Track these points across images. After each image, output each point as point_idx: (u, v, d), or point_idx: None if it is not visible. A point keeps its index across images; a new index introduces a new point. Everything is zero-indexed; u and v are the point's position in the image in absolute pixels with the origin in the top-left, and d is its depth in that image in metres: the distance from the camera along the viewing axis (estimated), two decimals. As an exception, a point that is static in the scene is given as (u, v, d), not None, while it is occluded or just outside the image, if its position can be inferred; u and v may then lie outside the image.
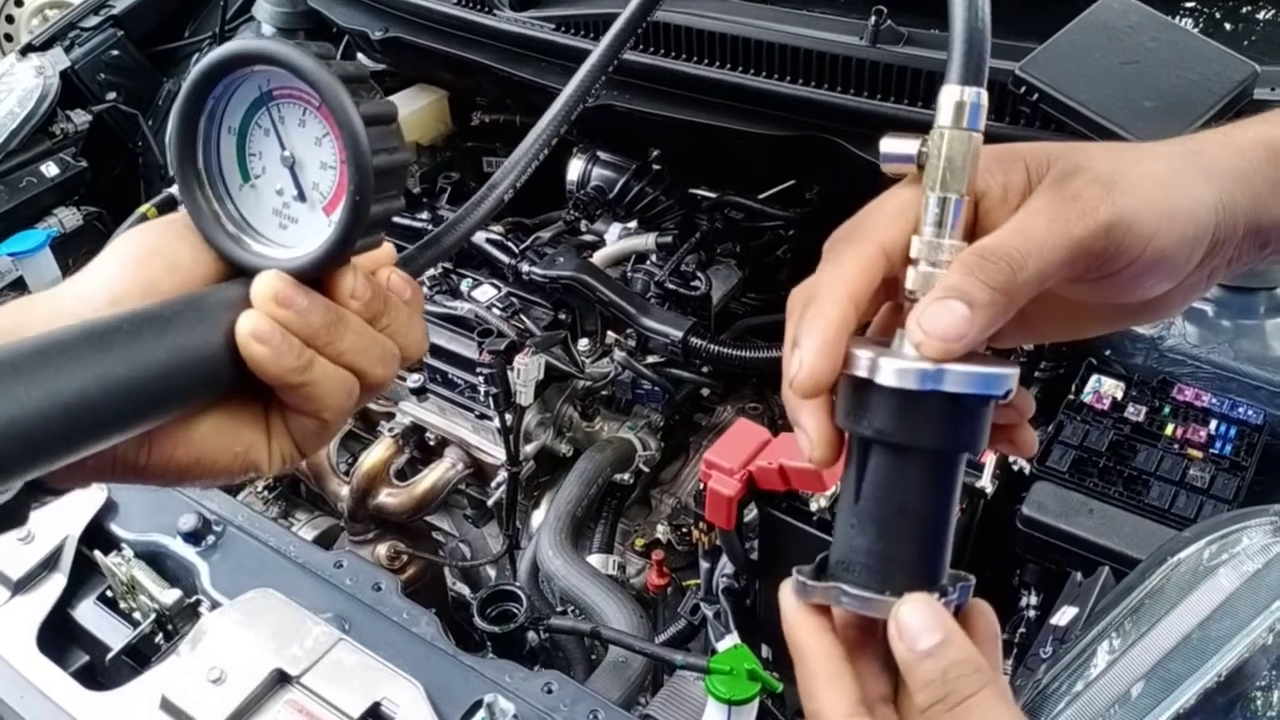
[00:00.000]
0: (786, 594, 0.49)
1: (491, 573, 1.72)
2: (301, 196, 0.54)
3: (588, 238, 1.80)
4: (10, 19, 4.59)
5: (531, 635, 1.20)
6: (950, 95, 0.46)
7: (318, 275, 0.53)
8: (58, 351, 0.44)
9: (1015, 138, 1.36)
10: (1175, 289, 0.50)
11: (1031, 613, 1.22)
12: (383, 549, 1.64)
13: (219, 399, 0.52)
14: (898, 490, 0.47)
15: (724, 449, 1.18)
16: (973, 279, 0.44)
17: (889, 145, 0.48)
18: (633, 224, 1.80)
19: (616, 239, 1.78)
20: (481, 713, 0.99)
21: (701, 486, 1.19)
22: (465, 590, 1.78)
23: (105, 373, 0.45)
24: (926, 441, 0.46)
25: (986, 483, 1.19)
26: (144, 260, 0.53)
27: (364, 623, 1.12)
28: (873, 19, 1.39)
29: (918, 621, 0.44)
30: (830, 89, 1.42)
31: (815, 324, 0.46)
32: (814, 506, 1.17)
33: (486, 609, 1.16)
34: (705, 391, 1.74)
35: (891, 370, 0.45)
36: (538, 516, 1.63)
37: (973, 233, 0.47)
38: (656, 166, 1.72)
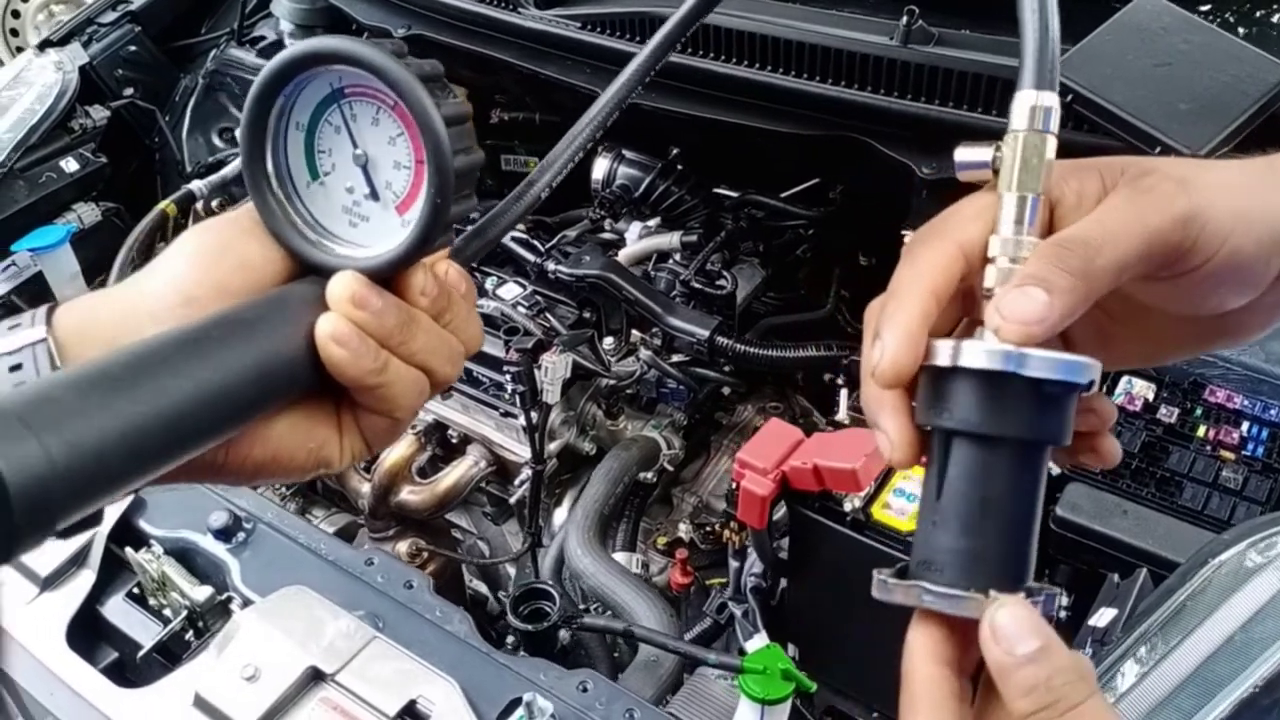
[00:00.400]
0: (914, 623, 0.47)
1: (511, 571, 1.71)
2: (374, 195, 0.54)
3: (608, 236, 1.80)
4: (16, 14, 4.58)
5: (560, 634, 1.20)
6: (1025, 100, 0.47)
7: (391, 275, 0.53)
8: (158, 363, 0.44)
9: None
10: (1256, 306, 0.49)
11: (1062, 614, 1.21)
12: (403, 546, 1.63)
13: (298, 399, 0.52)
14: (981, 484, 0.46)
15: (757, 448, 1.18)
16: (1050, 266, 0.44)
17: (964, 154, 0.49)
18: (653, 223, 1.80)
19: (638, 238, 1.78)
20: (520, 711, 0.98)
21: (734, 485, 1.19)
22: (483, 588, 1.78)
23: (203, 381, 0.45)
24: (1011, 430, 0.46)
25: (1020, 483, 1.18)
26: (214, 258, 0.53)
27: (397, 620, 1.11)
28: (904, 19, 1.39)
29: (1016, 625, 0.43)
30: (860, 89, 1.42)
31: (897, 315, 0.46)
32: (847, 507, 1.17)
33: (519, 607, 1.16)
34: (726, 390, 1.74)
35: (974, 353, 0.45)
36: (559, 514, 1.63)
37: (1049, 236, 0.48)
38: (680, 166, 1.71)
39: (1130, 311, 0.50)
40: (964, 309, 0.50)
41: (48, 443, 0.37)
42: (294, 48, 0.51)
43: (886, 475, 1.20)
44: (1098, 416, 0.51)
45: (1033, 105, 0.47)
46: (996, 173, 0.48)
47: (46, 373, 0.49)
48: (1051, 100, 0.47)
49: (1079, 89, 1.29)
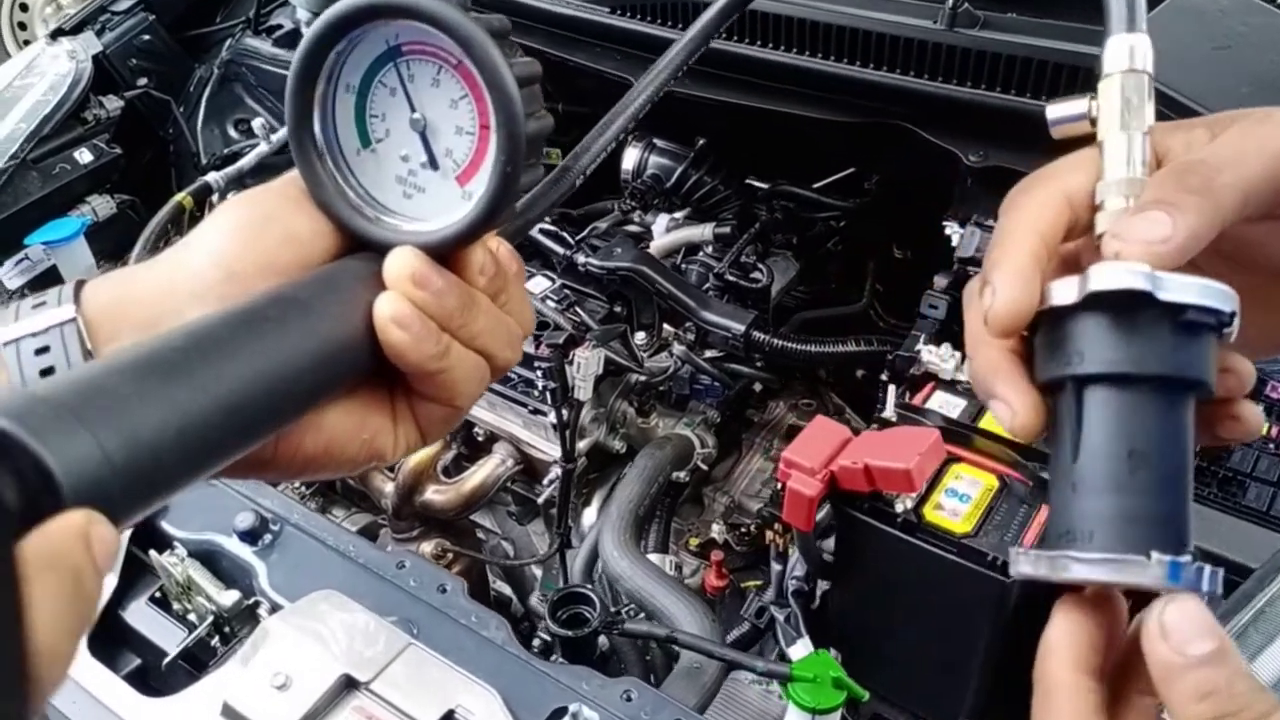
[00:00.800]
0: (1056, 619, 0.43)
1: (538, 572, 1.67)
2: (432, 164, 0.49)
3: (633, 229, 1.75)
4: (24, 6, 4.54)
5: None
6: (1118, 44, 0.47)
7: (451, 251, 0.48)
8: (214, 347, 0.39)
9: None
10: None
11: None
12: (428, 547, 1.59)
13: (353, 386, 0.48)
14: (1126, 434, 0.41)
15: (803, 447, 1.13)
16: (1170, 188, 0.41)
17: (1056, 110, 0.48)
18: (680, 214, 1.76)
19: (665, 230, 1.73)
20: (565, 722, 0.94)
21: (779, 486, 1.14)
22: (506, 589, 1.74)
23: (263, 367, 0.41)
24: (1153, 366, 0.41)
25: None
26: (258, 231, 0.48)
27: (431, 626, 1.07)
28: (949, 1, 1.34)
29: (1189, 621, 0.38)
30: (903, 73, 1.37)
31: (1006, 259, 0.43)
32: (899, 508, 1.12)
33: (557, 611, 1.11)
34: (757, 387, 1.70)
35: (1105, 275, 0.40)
36: (588, 514, 1.59)
37: None
38: (711, 155, 1.66)
39: (1257, 284, 0.46)
40: (1066, 271, 0.46)
41: (103, 439, 0.33)
42: (349, 0, 0.46)
43: (937, 475, 1.16)
44: (1236, 378, 0.46)
45: (1131, 46, 0.46)
46: (1093, 123, 0.46)
47: (77, 356, 0.45)
48: (1144, 42, 0.46)
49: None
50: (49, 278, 1.76)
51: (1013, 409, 0.43)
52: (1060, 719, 0.40)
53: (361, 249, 0.49)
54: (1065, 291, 0.42)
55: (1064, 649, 0.41)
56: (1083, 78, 1.28)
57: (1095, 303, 0.41)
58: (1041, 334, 0.43)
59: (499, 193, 0.47)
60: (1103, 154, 0.45)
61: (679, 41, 0.73)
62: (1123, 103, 0.46)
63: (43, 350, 0.45)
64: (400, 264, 0.47)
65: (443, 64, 0.47)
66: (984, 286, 0.43)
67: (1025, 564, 0.43)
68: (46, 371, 0.44)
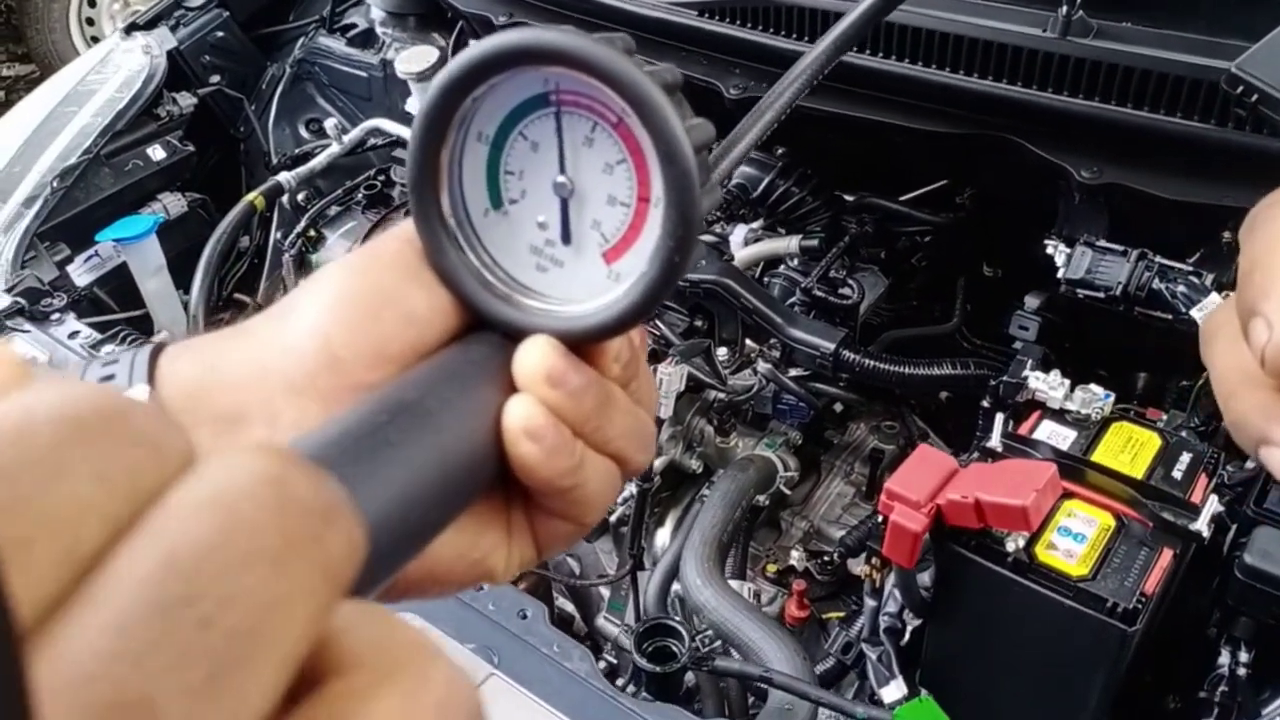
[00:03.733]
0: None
1: (605, 593, 1.62)
2: (569, 236, 0.41)
3: (709, 238, 1.69)
4: (93, 3, 4.59)
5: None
6: None
7: (593, 342, 0.40)
8: (346, 478, 0.31)
9: (1228, 142, 1.23)
10: None
11: (1242, 670, 1.09)
12: (496, 563, 1.54)
13: None
14: None
15: (907, 479, 1.06)
16: None
17: None
18: (758, 225, 1.70)
19: (744, 242, 1.67)
20: (657, 768, 0.88)
21: (881, 519, 1.08)
22: (570, 607, 1.68)
23: (388, 513, 0.33)
24: None
25: (1203, 526, 1.06)
26: (371, 311, 0.39)
27: (512, 655, 1.02)
28: (1063, 9, 1.27)
29: None
30: (1011, 84, 1.30)
31: (1273, 285, 0.37)
32: (1009, 547, 1.05)
33: (643, 644, 1.06)
34: (838, 407, 1.63)
35: None
36: (661, 535, 1.53)
37: None
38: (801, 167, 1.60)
39: None
40: None
41: None
42: (500, 39, 0.38)
43: (1050, 512, 1.09)
44: None
45: None
46: None
47: None
48: None
49: (1265, 87, 1.16)
50: (118, 276, 1.74)
51: None
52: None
53: (478, 330, 0.41)
54: None
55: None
56: (1205, 91, 1.20)
57: None
58: None
59: (662, 280, 0.39)
60: None
61: (805, 57, 0.67)
62: None
63: None
64: (536, 360, 0.39)
65: (599, 120, 0.39)
66: (1253, 320, 0.37)
67: None
68: None
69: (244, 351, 0.40)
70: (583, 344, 0.40)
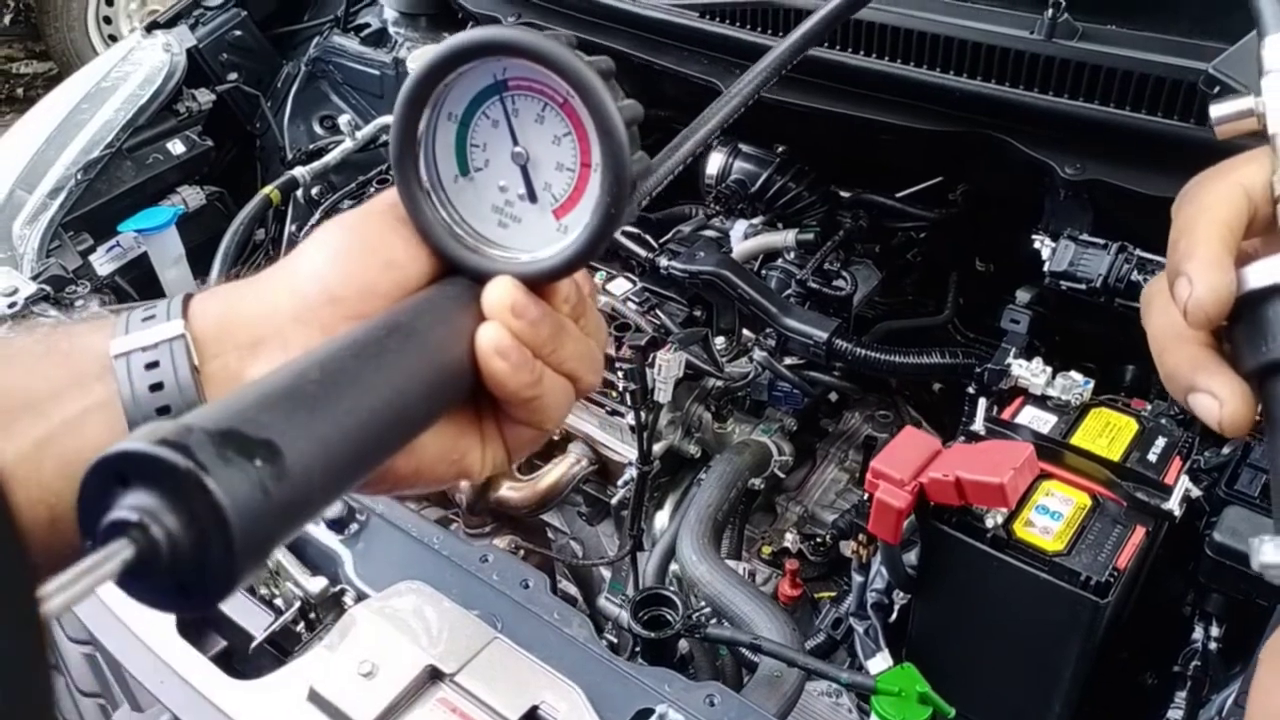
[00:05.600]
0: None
1: (606, 574, 1.67)
2: (530, 197, 0.51)
3: (711, 233, 1.75)
4: (110, 2, 4.66)
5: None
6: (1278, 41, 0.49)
7: (546, 283, 0.50)
8: (346, 381, 0.41)
9: (1205, 141, 1.28)
10: None
11: (1213, 645, 1.14)
12: (501, 543, 1.60)
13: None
14: None
15: (892, 458, 1.12)
16: None
17: (1220, 109, 0.50)
18: (757, 220, 1.75)
19: (743, 236, 1.73)
20: (650, 723, 0.94)
21: (866, 496, 1.13)
22: (573, 589, 1.74)
23: (389, 399, 0.42)
24: None
25: (1175, 505, 1.11)
26: (360, 256, 0.50)
27: (515, 621, 1.07)
28: (1049, 11, 1.32)
29: None
30: (999, 84, 1.36)
31: (1197, 249, 0.44)
32: (989, 524, 1.10)
33: (639, 612, 1.11)
34: (833, 396, 1.68)
35: None
36: (660, 518, 1.58)
37: None
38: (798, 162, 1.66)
39: None
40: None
41: (263, 475, 0.35)
42: (465, 35, 0.48)
43: (1028, 491, 1.14)
44: None
45: None
46: (1260, 119, 0.48)
47: (185, 372, 0.47)
48: None
49: (1241, 89, 1.21)
50: (139, 266, 1.80)
51: (1222, 401, 0.43)
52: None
53: (452, 274, 0.51)
54: (1267, 274, 0.42)
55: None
56: (1184, 92, 1.25)
57: None
58: (1244, 321, 0.43)
59: (600, 230, 0.48)
60: (1276, 148, 0.47)
61: (773, 51, 0.73)
62: None
63: (152, 365, 0.47)
64: (501, 294, 0.49)
65: (548, 101, 0.49)
66: (1177, 279, 0.43)
67: (1269, 555, 0.42)
68: (156, 386, 0.46)
69: (259, 294, 0.50)
70: (539, 284, 0.50)
